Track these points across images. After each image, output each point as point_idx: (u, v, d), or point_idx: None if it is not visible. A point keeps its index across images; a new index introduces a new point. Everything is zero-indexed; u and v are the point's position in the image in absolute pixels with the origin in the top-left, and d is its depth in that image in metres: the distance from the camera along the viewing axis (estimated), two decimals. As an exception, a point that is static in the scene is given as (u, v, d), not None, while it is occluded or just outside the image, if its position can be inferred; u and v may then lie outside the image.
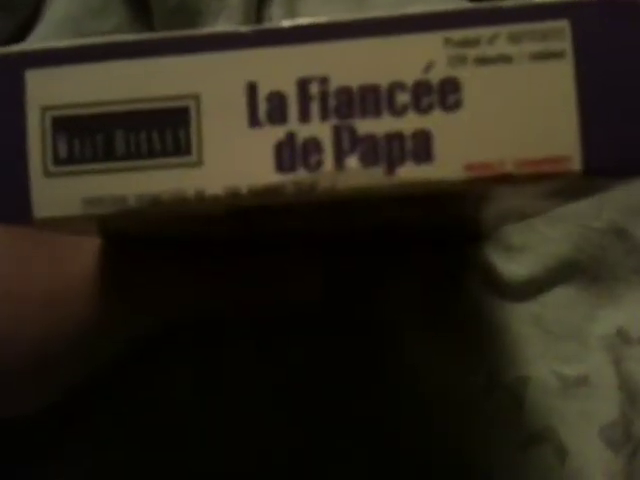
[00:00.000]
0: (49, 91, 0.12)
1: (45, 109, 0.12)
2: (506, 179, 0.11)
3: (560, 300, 0.27)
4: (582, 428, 0.25)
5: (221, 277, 0.21)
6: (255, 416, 0.24)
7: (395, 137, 0.12)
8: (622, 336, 0.26)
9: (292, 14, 0.28)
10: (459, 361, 0.25)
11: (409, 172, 0.12)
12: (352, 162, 0.12)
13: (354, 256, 0.25)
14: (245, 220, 0.15)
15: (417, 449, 0.24)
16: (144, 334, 0.22)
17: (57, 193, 0.12)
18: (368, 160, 0.12)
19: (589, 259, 0.27)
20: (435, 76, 0.12)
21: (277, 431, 0.24)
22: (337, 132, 0.12)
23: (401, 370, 0.25)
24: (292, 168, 0.12)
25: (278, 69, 0.12)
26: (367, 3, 0.29)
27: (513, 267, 0.26)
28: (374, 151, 0.12)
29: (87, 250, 0.20)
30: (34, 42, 0.27)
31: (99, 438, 0.24)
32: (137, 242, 0.19)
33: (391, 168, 0.12)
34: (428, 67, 0.12)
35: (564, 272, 0.27)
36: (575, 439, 0.25)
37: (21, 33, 0.28)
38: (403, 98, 0.12)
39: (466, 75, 0.11)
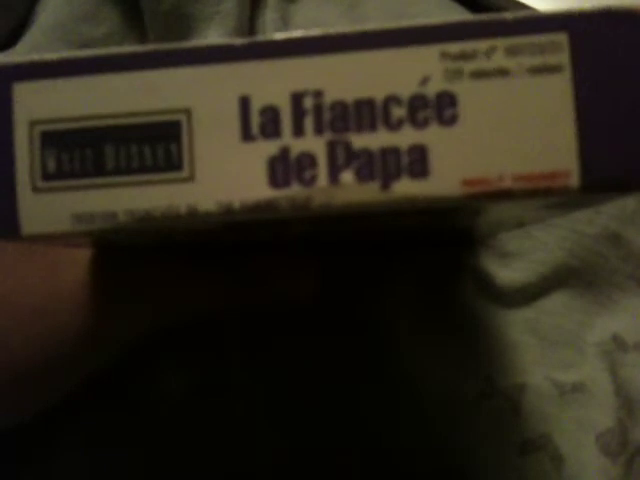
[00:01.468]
0: (38, 105, 0.12)
1: (33, 123, 0.12)
2: (504, 194, 0.11)
3: (555, 306, 0.26)
4: (578, 435, 0.25)
5: (218, 278, 0.21)
6: (254, 416, 0.24)
7: (391, 152, 0.11)
8: (618, 342, 0.26)
9: (286, 19, 0.28)
10: (455, 364, 0.25)
11: (405, 187, 0.11)
12: (347, 177, 0.11)
13: (352, 256, 0.25)
14: (239, 230, 0.15)
15: (412, 450, 0.24)
16: (142, 336, 0.21)
17: (46, 209, 0.12)
18: (363, 175, 0.11)
19: (584, 265, 0.27)
20: (431, 90, 0.11)
21: (276, 431, 0.24)
22: (332, 147, 0.11)
23: (398, 372, 0.25)
24: (286, 183, 0.12)
25: (271, 82, 0.12)
26: (359, 8, 0.29)
27: (508, 273, 0.26)
28: (369, 166, 0.11)
29: (80, 258, 0.20)
30: (25, 47, 0.27)
31: (98, 439, 0.24)
32: (131, 248, 0.19)
33: (387, 183, 0.11)
34: (424, 81, 0.11)
35: (559, 278, 0.26)
36: (571, 446, 0.25)
37: (15, 36, 0.27)
38: (399, 112, 0.11)
39: (463, 89, 0.11)
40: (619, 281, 0.27)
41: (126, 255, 0.20)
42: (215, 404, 0.24)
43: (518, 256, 0.26)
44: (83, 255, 0.20)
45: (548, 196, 0.11)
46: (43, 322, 0.19)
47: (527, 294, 0.26)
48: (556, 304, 0.27)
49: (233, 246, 0.21)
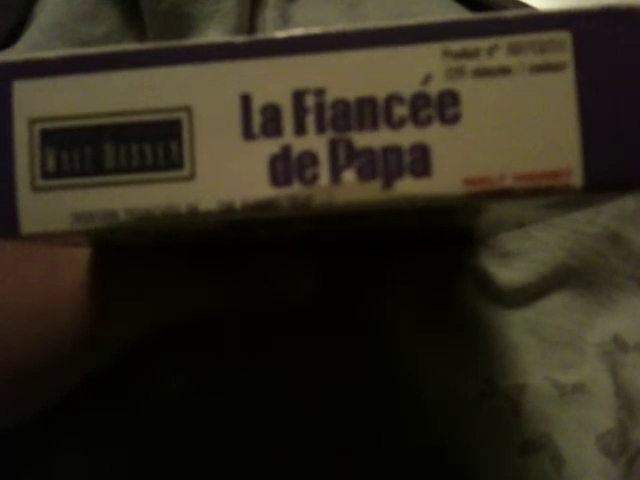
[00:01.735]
0: (37, 103, 0.12)
1: (33, 121, 0.12)
2: (506, 194, 0.11)
3: (555, 307, 0.26)
4: (579, 436, 0.25)
5: (218, 278, 0.21)
6: (254, 416, 0.24)
7: (393, 150, 0.11)
8: (618, 343, 0.26)
9: (286, 18, 0.28)
10: (456, 364, 0.25)
11: (407, 186, 0.11)
12: (349, 176, 0.11)
13: (352, 256, 0.25)
14: (239, 229, 0.14)
15: (413, 450, 0.24)
16: (142, 335, 0.21)
17: (45, 208, 0.12)
18: (365, 174, 0.11)
19: (584, 265, 0.27)
20: (433, 88, 0.11)
21: (276, 431, 0.24)
22: (333, 145, 0.11)
23: (398, 372, 0.25)
24: (287, 182, 0.11)
25: (273, 81, 0.12)
26: (360, 8, 0.29)
27: (508, 273, 0.26)
28: (371, 165, 0.11)
29: (79, 258, 0.20)
30: (24, 46, 0.26)
31: (98, 438, 0.24)
32: (130, 248, 0.19)
33: (389, 182, 0.11)
34: (426, 79, 0.11)
35: (559, 278, 0.26)
36: (572, 447, 0.25)
37: (14, 35, 0.27)
38: (401, 111, 0.11)
39: (465, 87, 0.11)
40: (619, 281, 0.27)
41: (125, 255, 0.20)
42: (215, 404, 0.24)
43: (518, 256, 0.26)
44: (82, 255, 0.20)
45: (550, 195, 0.11)
46: (42, 322, 0.19)
47: (527, 294, 0.26)
48: (556, 304, 0.26)
49: (233, 246, 0.21)
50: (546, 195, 0.11)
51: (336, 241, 0.24)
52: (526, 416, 0.25)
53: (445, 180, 0.11)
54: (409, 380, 0.24)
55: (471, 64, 0.11)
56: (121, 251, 0.20)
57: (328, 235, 0.21)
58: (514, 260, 0.26)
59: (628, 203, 0.27)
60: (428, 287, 0.25)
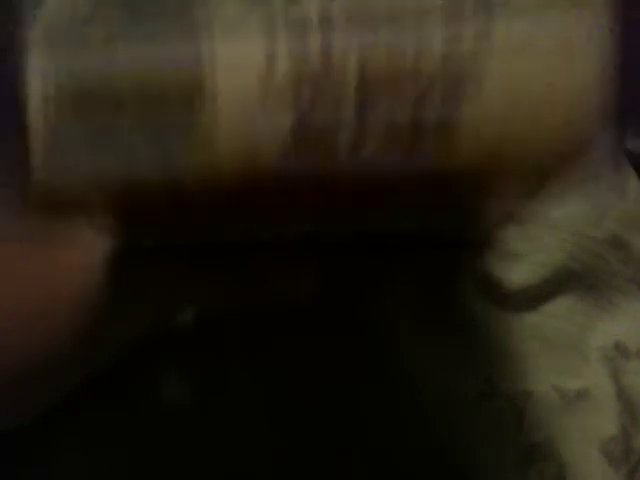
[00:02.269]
0: None
1: None
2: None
3: (559, 310, 0.26)
4: (582, 443, 0.25)
5: (218, 278, 0.21)
6: (254, 416, 0.24)
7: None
8: (620, 350, 0.26)
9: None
10: (455, 365, 0.25)
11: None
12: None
13: (352, 257, 0.25)
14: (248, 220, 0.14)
15: (412, 450, 0.24)
16: (142, 336, 0.21)
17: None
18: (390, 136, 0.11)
19: (584, 268, 0.27)
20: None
21: (276, 431, 0.24)
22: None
23: (398, 372, 0.25)
24: None
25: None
26: None
27: (509, 275, 0.26)
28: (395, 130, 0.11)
29: (79, 260, 0.20)
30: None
31: (98, 439, 0.24)
32: (131, 249, 0.19)
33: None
34: None
35: (560, 281, 0.26)
36: (574, 454, 0.25)
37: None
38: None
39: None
40: (619, 284, 0.27)
41: (126, 255, 0.20)
42: (215, 404, 0.24)
43: (518, 258, 0.26)
44: (82, 255, 0.20)
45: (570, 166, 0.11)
46: (42, 323, 0.19)
47: (527, 296, 0.26)
48: (560, 307, 0.26)
49: (233, 246, 0.21)
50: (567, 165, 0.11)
51: (336, 242, 0.24)
52: (529, 422, 0.25)
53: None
54: (409, 380, 0.24)
55: None
56: (121, 251, 0.20)
57: (328, 236, 0.21)
58: (514, 262, 0.26)
59: (629, 207, 0.27)
60: (428, 288, 0.26)
